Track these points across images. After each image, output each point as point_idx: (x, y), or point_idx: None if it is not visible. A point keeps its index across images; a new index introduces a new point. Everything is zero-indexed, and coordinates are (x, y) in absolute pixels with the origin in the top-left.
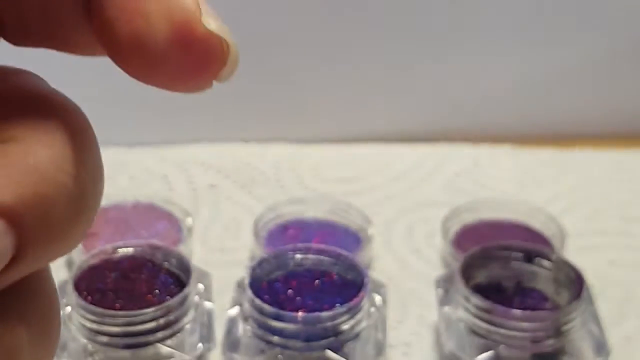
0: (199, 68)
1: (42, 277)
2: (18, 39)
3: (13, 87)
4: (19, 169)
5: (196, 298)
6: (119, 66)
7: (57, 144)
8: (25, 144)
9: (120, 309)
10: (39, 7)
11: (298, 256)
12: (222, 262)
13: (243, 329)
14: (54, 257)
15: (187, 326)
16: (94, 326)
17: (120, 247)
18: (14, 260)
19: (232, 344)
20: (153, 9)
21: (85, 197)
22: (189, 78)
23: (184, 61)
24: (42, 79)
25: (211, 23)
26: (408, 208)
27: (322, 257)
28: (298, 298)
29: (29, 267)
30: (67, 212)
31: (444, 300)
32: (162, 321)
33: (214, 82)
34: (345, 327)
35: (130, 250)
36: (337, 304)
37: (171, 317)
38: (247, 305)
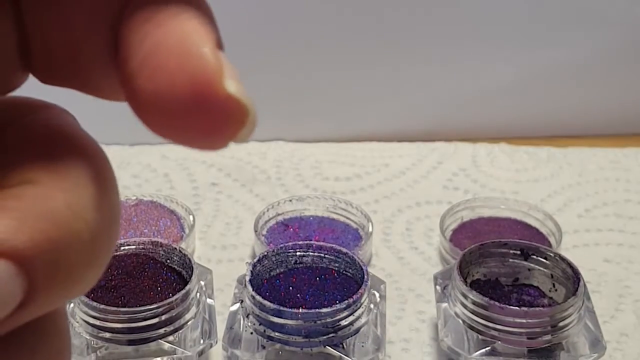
0: (217, 129)
1: (56, 314)
2: (46, 77)
3: (37, 124)
4: (33, 213)
5: (198, 295)
6: (140, 119)
7: (74, 188)
8: (42, 187)
9: (123, 306)
10: (69, 50)
11: (298, 253)
12: (223, 259)
13: (244, 325)
14: (64, 301)
15: (189, 322)
16: (97, 322)
17: (123, 245)
18: (23, 304)
19: (233, 339)
20: (175, 67)
21: (100, 242)
22: (206, 138)
23: (202, 121)
24: (69, 116)
25: (232, 85)
26: (407, 206)
27: (322, 254)
28: (298, 294)
29: (38, 310)
30: (80, 257)
31: (442, 297)
32: (164, 317)
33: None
34: (345, 323)
35: (132, 247)
36: (337, 301)
37: (173, 313)
38: (248, 302)
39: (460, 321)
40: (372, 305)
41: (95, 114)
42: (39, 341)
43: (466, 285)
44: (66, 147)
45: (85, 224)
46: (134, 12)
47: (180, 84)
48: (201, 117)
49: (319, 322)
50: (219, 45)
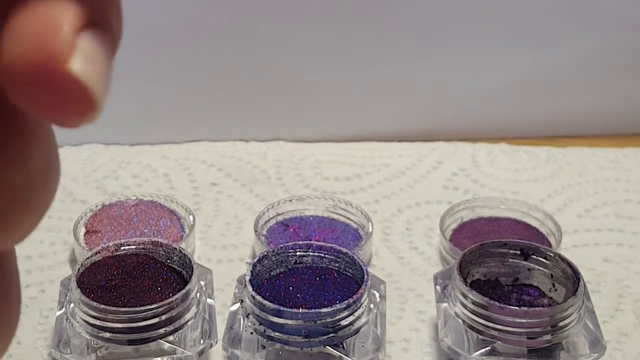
0: (61, 106)
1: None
2: None
3: None
4: None
5: (198, 295)
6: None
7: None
8: None
9: (123, 306)
10: None
11: (298, 253)
12: (223, 259)
13: (244, 325)
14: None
15: (189, 322)
16: (97, 322)
17: (123, 245)
18: None
19: (233, 339)
20: (30, 38)
21: (34, 189)
22: (54, 113)
23: (48, 95)
24: None
25: (77, 64)
26: (407, 205)
27: (322, 254)
28: (298, 294)
29: None
30: (12, 203)
31: (442, 297)
32: (164, 317)
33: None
34: (345, 323)
35: (132, 247)
36: (337, 301)
37: (173, 313)
38: (248, 302)
39: (460, 321)
40: (372, 305)
41: None
42: None
43: (466, 285)
44: None
45: (19, 170)
46: None
47: (30, 55)
48: (46, 91)
49: (319, 322)
50: (90, 25)
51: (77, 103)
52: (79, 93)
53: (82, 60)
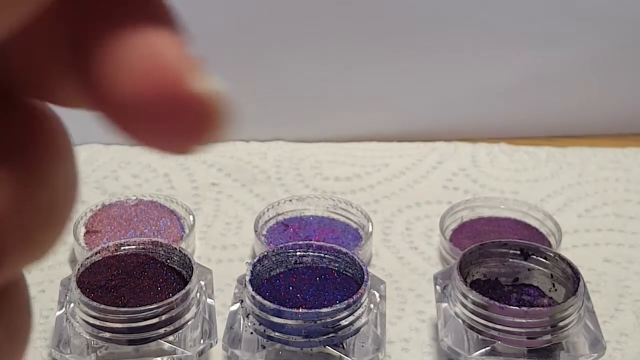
0: (186, 129)
1: (15, 285)
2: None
3: None
4: None
5: (198, 294)
6: (109, 125)
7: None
8: None
9: (123, 306)
10: (22, 58)
11: (298, 253)
12: (223, 259)
13: (244, 325)
14: (22, 267)
15: (189, 322)
16: (97, 322)
17: (123, 245)
18: None
19: (233, 339)
20: (141, 68)
21: (56, 208)
22: (175, 139)
23: (170, 122)
24: None
25: (200, 83)
26: (407, 205)
27: (322, 254)
28: (298, 294)
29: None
30: (34, 222)
31: (442, 297)
32: (164, 317)
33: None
34: (345, 323)
35: (132, 247)
36: (337, 301)
37: (173, 313)
38: (248, 302)
39: (460, 321)
40: (372, 305)
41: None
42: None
43: (466, 285)
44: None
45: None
46: (91, 16)
47: (146, 85)
48: (168, 117)
49: (319, 322)
50: (184, 43)
51: (204, 121)
52: (205, 110)
53: (203, 78)
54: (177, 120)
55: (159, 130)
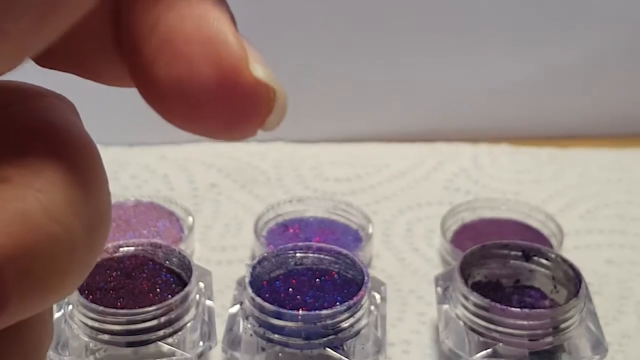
0: (244, 116)
1: (36, 319)
2: (44, 61)
3: (24, 115)
4: (4, 216)
5: (197, 296)
6: (156, 110)
7: (51, 188)
8: (16, 187)
9: (121, 308)
10: (66, 34)
11: (298, 255)
12: (222, 260)
13: (243, 327)
14: (41, 308)
15: (188, 324)
16: (96, 324)
17: (122, 246)
18: None
19: (232, 341)
20: (196, 53)
21: (79, 248)
22: (232, 126)
23: (228, 109)
24: (66, 107)
25: (258, 69)
26: (407, 207)
27: (322, 256)
28: (298, 296)
29: (12, 318)
30: (57, 264)
31: (443, 298)
32: (163, 319)
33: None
34: (345, 325)
35: (131, 249)
36: (337, 302)
37: (172, 315)
38: (247, 304)
39: (461, 323)
40: (372, 307)
41: (94, 114)
42: (12, 344)
43: (467, 286)
44: (50, 142)
45: (63, 228)
46: None
47: (204, 71)
48: (226, 104)
49: (319, 324)
50: (235, 26)
51: (262, 108)
52: (265, 97)
53: (258, 64)
54: (233, 106)
55: (212, 116)
